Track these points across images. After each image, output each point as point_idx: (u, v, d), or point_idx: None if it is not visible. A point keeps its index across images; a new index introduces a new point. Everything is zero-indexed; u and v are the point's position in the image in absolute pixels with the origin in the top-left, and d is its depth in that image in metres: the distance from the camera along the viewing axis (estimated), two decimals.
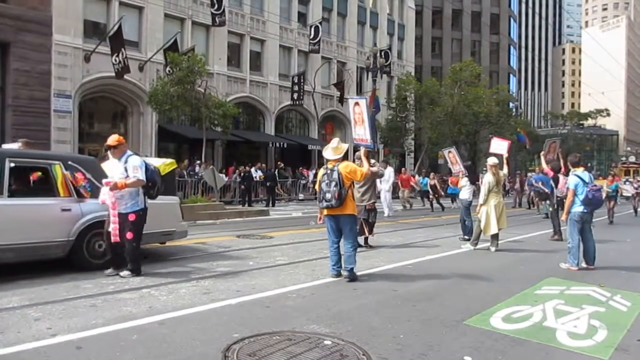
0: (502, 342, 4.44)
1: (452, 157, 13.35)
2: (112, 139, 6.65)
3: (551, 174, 12.03)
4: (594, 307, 5.64)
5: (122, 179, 6.40)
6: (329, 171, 6.66)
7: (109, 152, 6.78)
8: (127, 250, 6.57)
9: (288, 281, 6.62)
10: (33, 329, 4.39)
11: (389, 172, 17.32)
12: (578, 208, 8.06)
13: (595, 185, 8.14)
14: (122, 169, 6.49)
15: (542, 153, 12.57)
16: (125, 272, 6.57)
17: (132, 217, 6.49)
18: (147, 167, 6.67)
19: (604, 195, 8.40)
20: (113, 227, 6.46)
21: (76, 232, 6.77)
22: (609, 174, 23.14)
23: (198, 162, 22.53)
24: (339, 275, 6.77)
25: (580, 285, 6.75)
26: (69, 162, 6.94)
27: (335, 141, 6.91)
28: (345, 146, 6.93)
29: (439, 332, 4.64)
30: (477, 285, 6.80)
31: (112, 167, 6.67)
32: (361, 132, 7.71)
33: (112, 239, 6.48)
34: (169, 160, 8.51)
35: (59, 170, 6.78)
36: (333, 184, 6.50)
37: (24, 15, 19.18)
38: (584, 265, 8.13)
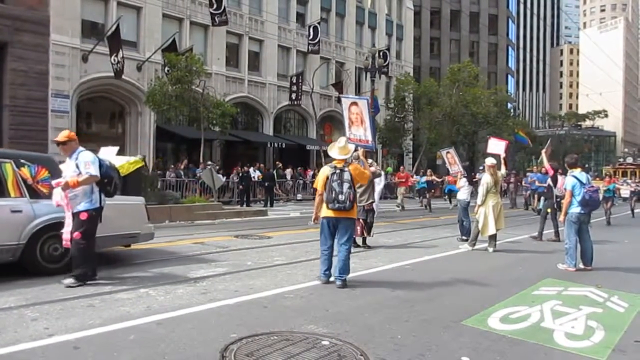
0: (500, 343, 4.44)
1: (450, 158, 13.37)
2: (61, 135, 6.20)
3: (552, 172, 12.02)
4: (591, 308, 5.64)
5: (74, 177, 5.95)
6: (338, 171, 6.34)
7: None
8: (72, 253, 6.04)
9: (286, 281, 6.61)
10: (30, 329, 4.38)
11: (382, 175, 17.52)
12: (575, 209, 8.06)
13: (592, 186, 8.13)
14: (74, 167, 6.05)
15: (544, 150, 12.56)
16: (68, 280, 5.96)
17: (83, 216, 5.99)
18: (101, 163, 6.19)
19: (601, 196, 8.40)
20: (65, 231, 6.01)
21: (27, 235, 6.30)
22: (606, 174, 23.18)
23: (210, 162, 22.46)
24: (328, 281, 6.44)
25: (577, 286, 6.76)
26: (22, 160, 6.52)
27: (342, 140, 6.69)
28: (352, 146, 6.73)
29: (437, 333, 4.64)
30: (475, 285, 6.80)
31: (65, 167, 6.23)
32: (360, 132, 7.65)
33: (64, 243, 6.01)
34: (134, 158, 8.09)
35: (9, 169, 6.36)
36: (346, 185, 6.25)
37: (22, 15, 19.13)
38: (581, 266, 8.14)
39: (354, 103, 7.79)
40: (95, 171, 6.04)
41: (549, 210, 12.30)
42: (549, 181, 12.17)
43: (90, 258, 6.12)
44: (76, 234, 5.94)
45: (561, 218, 8.49)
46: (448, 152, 13.50)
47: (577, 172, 8.22)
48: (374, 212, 10.07)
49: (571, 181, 8.15)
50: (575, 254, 8.06)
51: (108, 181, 6.26)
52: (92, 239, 6.11)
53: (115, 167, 6.69)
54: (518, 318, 5.19)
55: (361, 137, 7.62)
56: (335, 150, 6.57)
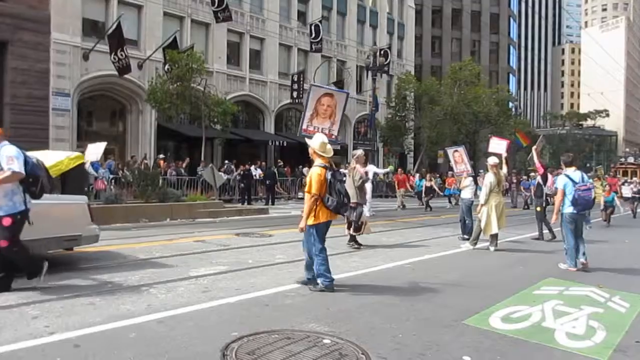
0: (501, 342, 4.43)
1: (457, 157, 13.10)
2: None
3: (541, 170, 11.97)
4: (592, 308, 5.63)
5: None
6: (332, 172, 5.97)
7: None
8: (13, 260, 5.57)
9: (287, 280, 6.59)
10: (31, 327, 4.37)
11: (372, 169, 17.57)
12: (568, 209, 7.90)
13: (584, 185, 7.84)
14: None
15: (534, 148, 12.52)
16: (33, 280, 5.69)
17: (6, 222, 5.38)
18: (26, 160, 5.54)
19: (593, 194, 8.08)
20: None
21: None
22: (605, 178, 23.09)
23: (227, 162, 22.30)
24: None
25: (579, 286, 6.75)
26: None
27: (325, 138, 6.31)
28: (330, 146, 6.27)
29: (438, 332, 4.63)
30: (476, 285, 6.78)
31: None
32: (324, 126, 7.26)
33: None
34: (75, 154, 7.36)
35: None
36: (343, 186, 5.99)
37: (22, 14, 19.12)
38: (581, 266, 8.02)
39: (329, 95, 7.36)
40: (19, 167, 5.39)
41: (538, 208, 12.23)
42: (539, 179, 12.10)
43: (28, 255, 5.69)
44: (2, 242, 5.40)
45: (553, 218, 8.34)
46: (456, 151, 13.28)
47: (571, 170, 8.02)
48: (361, 210, 9.57)
49: (563, 180, 7.98)
50: (574, 255, 7.98)
51: (33, 181, 5.62)
52: (19, 240, 5.57)
53: (42, 165, 5.94)
54: (519, 317, 5.17)
55: (324, 131, 7.23)
56: (320, 145, 6.09)
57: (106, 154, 23.86)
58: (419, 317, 5.08)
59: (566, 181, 7.92)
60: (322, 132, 7.04)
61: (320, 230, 6.03)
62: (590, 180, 8.43)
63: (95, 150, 13.13)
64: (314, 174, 5.95)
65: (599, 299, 6.07)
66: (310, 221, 5.94)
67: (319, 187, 5.89)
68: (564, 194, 7.92)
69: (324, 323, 4.72)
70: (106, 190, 16.44)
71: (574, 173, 7.97)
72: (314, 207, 5.91)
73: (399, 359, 3.95)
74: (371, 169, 17.60)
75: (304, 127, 7.32)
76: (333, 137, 7.25)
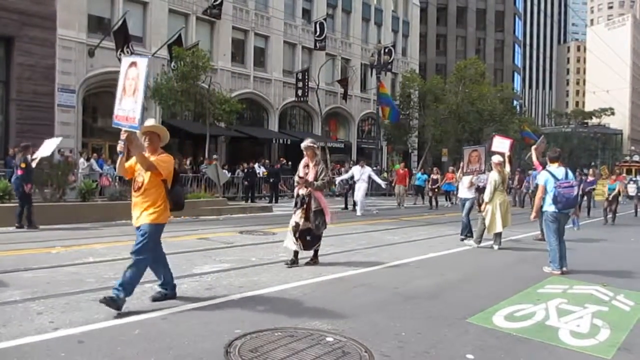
0: (505, 341, 4.42)
1: (475, 156, 12.35)
2: None
3: (540, 168, 11.89)
4: (597, 307, 5.61)
5: None
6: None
7: None
8: None
9: (290, 278, 6.60)
10: (35, 323, 4.39)
11: (368, 171, 17.58)
12: (550, 207, 7.52)
13: (566, 182, 7.42)
14: None
15: (534, 147, 12.27)
16: None
17: None
18: None
19: (575, 192, 7.62)
20: None
21: None
22: (615, 172, 22.90)
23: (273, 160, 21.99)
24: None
25: (583, 285, 6.73)
26: None
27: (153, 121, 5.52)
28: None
29: (442, 330, 4.63)
30: (479, 283, 6.78)
31: None
32: (129, 106, 5.46)
33: None
34: None
35: None
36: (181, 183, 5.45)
37: (28, 10, 19.19)
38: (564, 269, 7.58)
39: (134, 64, 5.51)
40: None
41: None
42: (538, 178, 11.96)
43: None
44: None
45: (532, 215, 8.09)
46: (475, 150, 12.40)
47: (554, 166, 7.66)
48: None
49: (544, 176, 7.64)
50: (557, 256, 7.55)
51: None
52: None
53: None
54: (523, 316, 5.16)
55: (129, 113, 5.38)
56: (166, 135, 5.38)
57: (111, 151, 24.09)
58: (423, 315, 5.08)
59: (547, 177, 7.56)
60: (127, 115, 5.44)
61: (161, 231, 5.14)
62: (574, 178, 8.04)
63: (49, 145, 12.76)
64: (169, 161, 5.12)
65: (603, 298, 6.05)
66: (160, 219, 4.99)
67: (171, 176, 5.13)
68: (545, 191, 7.56)
69: (327, 321, 4.72)
70: (111, 186, 16.49)
71: (557, 169, 7.60)
72: (162, 200, 4.99)
73: (403, 357, 3.94)
74: (367, 171, 17.64)
75: (115, 113, 5.48)
76: (135, 121, 5.23)
